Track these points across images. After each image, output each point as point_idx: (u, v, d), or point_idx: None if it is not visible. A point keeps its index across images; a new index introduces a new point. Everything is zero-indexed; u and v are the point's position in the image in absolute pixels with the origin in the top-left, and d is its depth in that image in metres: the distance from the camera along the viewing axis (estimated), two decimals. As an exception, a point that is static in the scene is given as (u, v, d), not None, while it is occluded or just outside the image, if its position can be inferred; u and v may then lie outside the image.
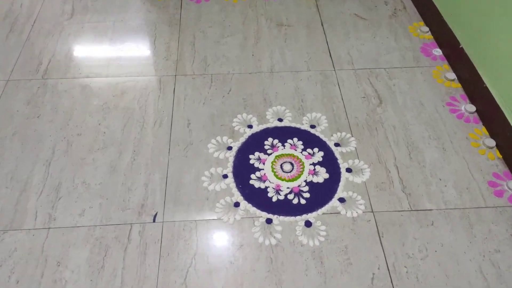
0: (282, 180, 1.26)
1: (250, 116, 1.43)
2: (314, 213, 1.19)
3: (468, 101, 1.48)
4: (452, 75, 1.55)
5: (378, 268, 1.09)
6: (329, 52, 1.65)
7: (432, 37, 1.72)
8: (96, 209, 1.19)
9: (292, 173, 1.28)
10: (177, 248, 1.12)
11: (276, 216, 1.19)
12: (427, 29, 1.73)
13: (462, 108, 1.46)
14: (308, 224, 1.17)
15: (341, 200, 1.22)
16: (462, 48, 1.52)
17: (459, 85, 1.53)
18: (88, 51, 1.64)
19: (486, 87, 1.39)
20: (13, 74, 1.54)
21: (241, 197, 1.22)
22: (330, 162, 1.31)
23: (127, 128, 1.38)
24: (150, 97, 1.48)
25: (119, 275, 1.07)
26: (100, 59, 1.61)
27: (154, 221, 1.17)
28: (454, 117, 1.43)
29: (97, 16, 1.79)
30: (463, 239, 1.14)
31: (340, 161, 1.31)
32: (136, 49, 1.65)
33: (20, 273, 1.07)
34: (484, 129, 1.40)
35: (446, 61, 1.62)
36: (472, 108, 1.44)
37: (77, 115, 1.42)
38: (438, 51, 1.65)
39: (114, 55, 1.63)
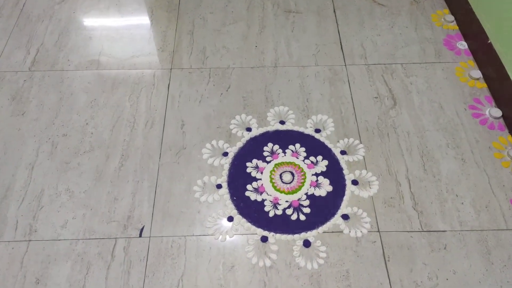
0: (281, 192, 1.15)
1: (250, 117, 1.30)
2: (314, 231, 1.09)
3: (493, 104, 1.33)
4: (477, 73, 1.38)
5: (382, 298, 0.99)
6: (341, 44, 1.50)
7: (457, 27, 1.53)
8: (79, 221, 1.11)
9: (292, 185, 1.17)
10: (164, 267, 1.04)
11: (272, 233, 1.09)
12: (452, 18, 1.55)
13: (487, 112, 1.30)
14: (306, 244, 1.07)
15: (345, 217, 1.11)
16: (490, 43, 1.34)
17: (485, 85, 1.37)
18: (79, 39, 1.52)
19: (516, 91, 1.23)
20: (-1, 65, 1.45)
21: (235, 211, 1.13)
22: (334, 172, 1.19)
23: (116, 128, 1.28)
24: (143, 93, 1.37)
25: (101, 296, 1.00)
26: (91, 49, 1.49)
27: (140, 235, 1.08)
28: (477, 123, 1.28)
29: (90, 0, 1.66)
30: (479, 266, 1.03)
31: (345, 171, 1.19)
32: (130, 39, 1.53)
33: (-3, 290, 1.01)
34: (510, 137, 1.25)
35: (471, 57, 1.45)
36: (498, 113, 1.29)
37: (64, 112, 1.32)
38: (463, 44, 1.48)
39: (106, 44, 1.51)
